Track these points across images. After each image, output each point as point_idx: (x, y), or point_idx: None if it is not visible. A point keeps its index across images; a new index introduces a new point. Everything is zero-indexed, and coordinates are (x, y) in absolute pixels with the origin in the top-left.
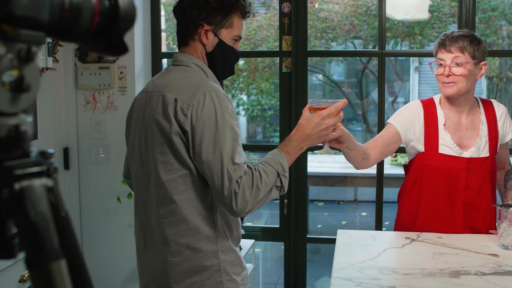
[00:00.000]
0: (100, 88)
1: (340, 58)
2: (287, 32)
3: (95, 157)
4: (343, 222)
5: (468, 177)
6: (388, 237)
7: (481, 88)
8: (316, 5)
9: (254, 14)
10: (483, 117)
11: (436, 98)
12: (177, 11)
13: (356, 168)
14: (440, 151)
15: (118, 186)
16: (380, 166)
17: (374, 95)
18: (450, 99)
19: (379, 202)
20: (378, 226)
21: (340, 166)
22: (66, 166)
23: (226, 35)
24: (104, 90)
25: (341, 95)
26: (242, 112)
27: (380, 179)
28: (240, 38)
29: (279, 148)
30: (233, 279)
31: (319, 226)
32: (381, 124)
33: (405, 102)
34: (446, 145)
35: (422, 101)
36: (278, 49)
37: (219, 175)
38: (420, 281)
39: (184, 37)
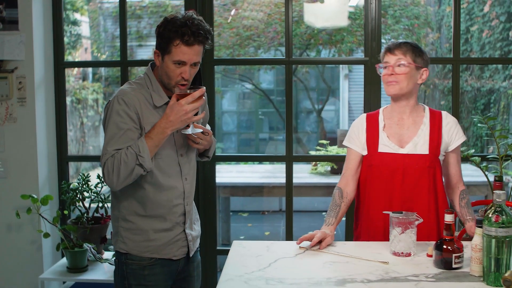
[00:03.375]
0: None
1: (269, 66)
2: None
3: None
4: (266, 233)
5: (404, 172)
6: (282, 247)
7: None
8: (232, 12)
9: (204, 39)
10: (426, 120)
11: (382, 108)
12: None
13: None
14: (379, 150)
15: (17, 201)
16: (289, 174)
17: (306, 103)
18: (394, 99)
19: (289, 212)
20: (289, 237)
21: (258, 176)
22: None
23: (167, 60)
24: (2, 101)
25: (269, 103)
26: None
27: (289, 188)
28: (184, 62)
29: (145, 134)
30: (124, 242)
31: (241, 237)
32: (289, 134)
33: (335, 111)
34: (385, 144)
35: (368, 114)
36: None
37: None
38: None
39: None
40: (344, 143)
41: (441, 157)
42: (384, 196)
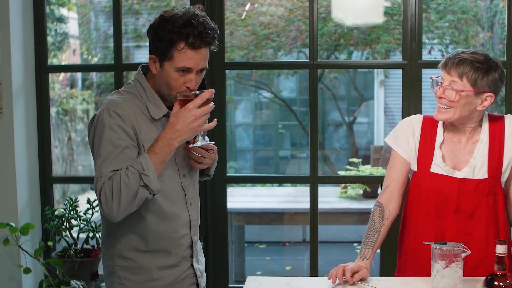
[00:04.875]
0: None
1: (290, 71)
2: None
3: None
4: (288, 268)
5: (459, 200)
6: (306, 284)
7: None
8: (247, 7)
9: (212, 40)
10: (484, 135)
11: None
12: None
13: None
14: (431, 170)
15: None
16: (314, 198)
17: (335, 115)
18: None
19: (313, 243)
20: (314, 272)
21: (277, 201)
22: None
23: (168, 67)
24: None
25: (291, 115)
26: None
27: (314, 215)
28: (189, 69)
29: (147, 149)
30: (123, 284)
31: (258, 273)
32: (314, 151)
33: (369, 123)
34: (438, 164)
35: (425, 116)
36: None
37: (94, 185)
38: None
39: None
40: (389, 142)
41: (503, 179)
42: (434, 225)
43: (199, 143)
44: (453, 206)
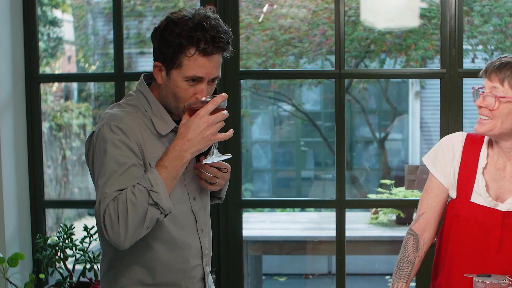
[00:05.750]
0: None
1: (314, 80)
2: None
3: None
4: None
5: (503, 236)
6: None
7: None
8: (265, 9)
9: (225, 46)
10: None
11: (488, 137)
12: None
13: None
14: (472, 200)
15: None
16: (341, 225)
17: (364, 130)
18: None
19: (340, 276)
20: None
21: (299, 228)
22: None
23: (176, 75)
24: None
25: (315, 131)
26: None
27: (341, 244)
28: (200, 78)
29: (155, 165)
30: None
31: None
32: (341, 171)
33: (403, 140)
34: (480, 194)
35: (468, 135)
36: None
37: (95, 209)
38: None
39: None
40: (427, 163)
41: None
42: (473, 262)
43: (214, 157)
44: (495, 243)
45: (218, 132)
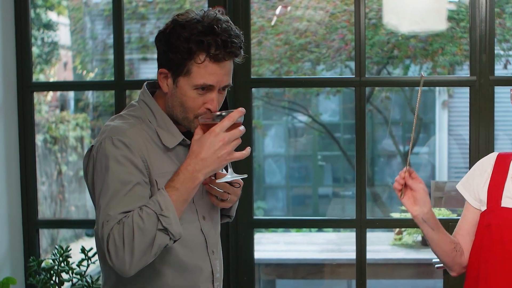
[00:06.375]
0: None
1: (333, 89)
2: None
3: None
4: None
5: None
6: None
7: None
8: (278, 11)
9: (237, 51)
10: None
11: None
12: None
13: (451, 270)
14: (502, 205)
15: None
16: (361, 246)
17: (387, 143)
18: None
19: None
20: None
21: (316, 249)
22: None
23: (184, 84)
24: None
25: (333, 144)
26: None
27: (361, 267)
28: (211, 86)
29: (165, 184)
30: None
31: None
32: (361, 188)
33: (429, 154)
34: (510, 197)
35: (500, 154)
36: None
37: (96, 230)
38: None
39: None
40: (460, 190)
41: None
42: (509, 273)
43: (228, 176)
44: None
45: (235, 150)
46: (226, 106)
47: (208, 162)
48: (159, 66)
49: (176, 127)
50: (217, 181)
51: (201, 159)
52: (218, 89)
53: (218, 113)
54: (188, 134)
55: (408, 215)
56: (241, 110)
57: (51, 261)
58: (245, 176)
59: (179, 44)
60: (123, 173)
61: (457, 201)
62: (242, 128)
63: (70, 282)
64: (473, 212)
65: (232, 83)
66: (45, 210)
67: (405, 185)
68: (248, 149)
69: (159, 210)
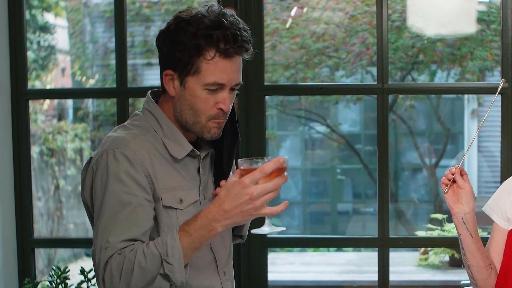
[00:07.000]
0: None
1: (353, 97)
2: None
3: None
4: None
5: None
6: None
7: None
8: (293, 13)
9: (248, 45)
10: None
11: None
12: None
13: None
14: None
15: None
16: (384, 267)
17: (411, 155)
18: None
19: None
20: None
21: (335, 270)
22: None
23: (193, 83)
24: None
25: (354, 156)
26: None
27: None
28: (222, 85)
29: (180, 226)
30: None
31: None
32: (384, 204)
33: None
34: None
35: None
36: None
37: (93, 252)
38: None
39: None
40: (484, 208)
41: None
42: None
43: (265, 228)
44: None
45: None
46: (234, 117)
47: (230, 214)
48: (164, 68)
49: (184, 137)
50: (252, 231)
51: (223, 209)
52: (229, 88)
53: (255, 159)
54: (197, 145)
55: (434, 234)
56: (280, 159)
57: (47, 283)
58: (284, 229)
59: (185, 41)
60: (124, 193)
61: (486, 219)
62: (279, 180)
63: None
64: (502, 232)
65: (242, 82)
66: (41, 228)
67: (453, 182)
68: (283, 205)
69: (165, 254)
